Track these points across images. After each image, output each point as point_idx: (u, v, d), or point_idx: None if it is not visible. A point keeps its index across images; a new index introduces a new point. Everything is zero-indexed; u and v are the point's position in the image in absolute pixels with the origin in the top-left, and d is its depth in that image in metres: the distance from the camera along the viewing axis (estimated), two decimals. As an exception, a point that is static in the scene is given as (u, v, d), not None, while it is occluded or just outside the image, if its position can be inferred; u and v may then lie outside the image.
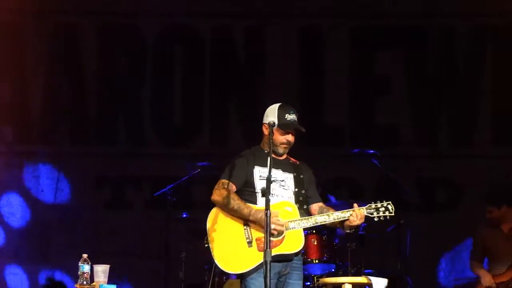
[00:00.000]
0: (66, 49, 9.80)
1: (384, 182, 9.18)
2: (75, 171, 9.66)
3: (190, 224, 8.16)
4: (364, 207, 5.81)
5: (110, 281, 6.56)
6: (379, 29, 9.81)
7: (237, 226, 5.80)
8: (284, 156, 5.99)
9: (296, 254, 5.79)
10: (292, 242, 5.73)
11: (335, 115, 9.78)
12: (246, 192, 5.88)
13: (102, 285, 6.49)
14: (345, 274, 7.84)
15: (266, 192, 5.47)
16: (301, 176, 5.97)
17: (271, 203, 5.66)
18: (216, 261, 5.78)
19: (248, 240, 5.75)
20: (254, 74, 9.72)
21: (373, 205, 5.86)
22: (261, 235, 5.71)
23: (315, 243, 8.05)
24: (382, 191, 9.15)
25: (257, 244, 5.74)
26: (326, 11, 9.81)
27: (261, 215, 5.63)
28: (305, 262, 7.94)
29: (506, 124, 9.58)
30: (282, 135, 5.90)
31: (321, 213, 5.90)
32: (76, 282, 6.46)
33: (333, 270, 8.13)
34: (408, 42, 9.81)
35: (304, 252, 8.04)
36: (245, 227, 5.79)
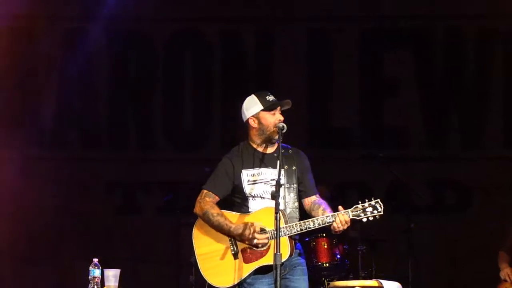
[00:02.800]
0: (77, 55, 9.83)
1: (394, 185, 9.19)
2: (86, 176, 9.68)
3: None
4: (349, 210, 5.50)
5: (120, 286, 6.58)
6: (388, 30, 9.81)
7: (221, 237, 5.64)
8: (275, 146, 5.70)
9: (283, 262, 5.46)
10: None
11: (343, 118, 9.77)
12: (237, 197, 5.73)
13: (113, 289, 6.52)
14: (356, 277, 7.83)
15: (276, 196, 5.31)
16: (293, 168, 5.71)
17: (256, 208, 5.63)
18: (203, 274, 5.67)
19: (233, 252, 5.60)
20: (263, 78, 9.72)
21: (359, 206, 5.53)
22: (246, 246, 5.57)
23: (325, 246, 8.04)
24: (392, 194, 9.17)
25: (243, 255, 5.59)
26: (334, 13, 9.81)
27: (241, 230, 5.52)
28: (315, 266, 7.95)
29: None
30: (272, 115, 5.67)
31: (313, 209, 5.65)
32: (87, 287, 6.50)
33: (343, 273, 8.13)
34: (417, 44, 9.79)
35: (314, 255, 8.07)
36: (230, 238, 5.63)
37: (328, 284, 7.77)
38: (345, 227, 5.49)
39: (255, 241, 5.52)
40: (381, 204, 5.53)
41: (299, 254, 5.73)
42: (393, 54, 9.78)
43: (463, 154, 9.65)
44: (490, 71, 9.76)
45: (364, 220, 5.52)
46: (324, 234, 8.07)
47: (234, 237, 5.60)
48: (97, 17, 9.81)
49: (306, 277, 5.72)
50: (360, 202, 5.53)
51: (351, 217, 5.49)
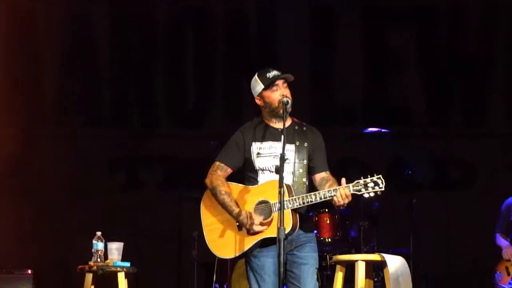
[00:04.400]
0: (79, 31, 9.81)
1: (397, 162, 9.20)
2: (89, 152, 9.68)
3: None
4: (350, 185, 5.46)
5: (124, 259, 6.61)
6: (391, 8, 9.77)
7: None
8: (289, 122, 5.70)
9: (288, 235, 5.48)
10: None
11: (346, 95, 9.75)
12: (247, 169, 5.73)
13: (116, 262, 6.54)
14: (358, 252, 7.85)
15: (279, 170, 5.34)
16: (305, 144, 5.69)
17: (262, 181, 5.64)
18: (208, 244, 5.70)
19: (238, 224, 5.62)
20: (266, 54, 9.69)
21: (361, 181, 5.47)
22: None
23: (328, 221, 8.09)
24: (395, 170, 9.18)
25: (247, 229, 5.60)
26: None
27: (241, 217, 5.56)
28: (318, 241, 7.96)
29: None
30: (275, 92, 5.67)
31: (321, 185, 5.63)
32: (90, 260, 6.53)
33: (346, 248, 8.16)
34: (421, 21, 9.76)
35: (317, 231, 8.09)
36: None
37: (330, 258, 7.78)
38: (346, 201, 5.46)
39: (252, 232, 5.57)
40: (383, 180, 5.49)
41: (310, 231, 5.75)
42: (396, 31, 9.75)
43: (466, 131, 9.64)
44: (494, 48, 9.73)
45: (366, 195, 5.51)
46: (326, 210, 8.10)
47: (235, 219, 5.64)
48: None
49: (315, 254, 5.73)
50: (362, 178, 5.50)
51: (352, 191, 5.47)
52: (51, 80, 9.78)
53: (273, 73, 5.71)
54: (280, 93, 5.68)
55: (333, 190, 5.47)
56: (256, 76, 5.75)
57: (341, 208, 5.55)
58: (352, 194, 5.47)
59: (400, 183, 8.99)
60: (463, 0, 9.79)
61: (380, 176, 5.50)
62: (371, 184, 5.48)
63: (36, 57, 9.73)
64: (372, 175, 5.50)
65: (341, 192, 5.44)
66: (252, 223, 5.55)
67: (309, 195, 5.53)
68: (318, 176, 5.73)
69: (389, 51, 9.81)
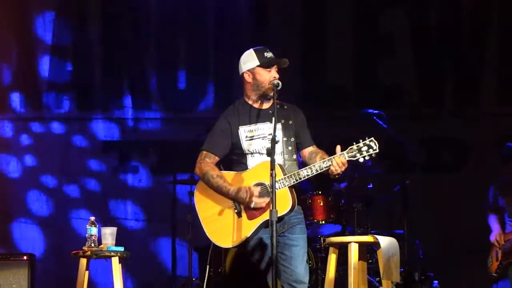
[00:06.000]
0: (71, 14, 9.78)
1: (389, 143, 9.19)
2: (82, 136, 9.68)
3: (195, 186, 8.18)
4: (344, 152, 5.48)
5: (117, 244, 6.62)
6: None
7: (224, 199, 5.65)
8: (271, 102, 5.68)
9: (286, 214, 5.54)
10: (279, 204, 5.34)
11: (338, 76, 9.75)
12: (235, 153, 5.73)
13: (110, 247, 6.56)
14: (352, 234, 7.87)
15: (271, 153, 5.31)
16: (290, 122, 5.70)
17: (252, 163, 5.64)
18: (209, 237, 5.67)
19: (236, 211, 5.60)
20: (258, 36, 9.67)
21: (354, 147, 5.49)
22: None
23: (321, 204, 8.07)
24: (387, 152, 9.17)
25: (246, 213, 5.59)
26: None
27: (239, 193, 5.55)
28: (311, 223, 7.99)
29: (512, 82, 9.56)
30: (268, 72, 5.66)
31: (311, 158, 5.64)
32: (84, 245, 6.54)
33: (339, 230, 8.18)
34: (412, 1, 9.75)
35: (310, 213, 8.10)
36: None
37: (324, 240, 7.80)
38: (343, 169, 5.48)
39: (253, 204, 5.54)
40: (376, 142, 5.54)
41: (298, 213, 5.73)
42: (387, 11, 9.73)
43: (458, 111, 9.63)
44: (486, 28, 9.72)
45: (361, 160, 5.53)
46: (320, 192, 8.10)
47: (233, 199, 5.62)
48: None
49: (305, 236, 5.74)
50: (354, 143, 5.53)
51: (347, 158, 5.49)
52: (44, 63, 9.74)
53: (270, 54, 5.72)
54: (272, 75, 5.68)
55: (328, 160, 5.49)
56: (252, 50, 5.74)
57: (338, 176, 5.56)
58: (348, 161, 5.50)
59: (393, 164, 9.02)
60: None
61: (372, 138, 5.54)
62: (365, 148, 5.52)
63: (29, 39, 9.69)
64: (363, 139, 5.53)
65: (337, 161, 5.46)
66: (251, 195, 5.53)
67: (304, 169, 5.54)
68: (307, 151, 5.76)
69: (380, 31, 9.79)
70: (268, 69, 5.70)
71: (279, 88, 5.61)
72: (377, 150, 5.53)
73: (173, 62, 9.83)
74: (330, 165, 5.47)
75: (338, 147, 5.52)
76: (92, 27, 9.81)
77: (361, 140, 5.53)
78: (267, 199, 5.53)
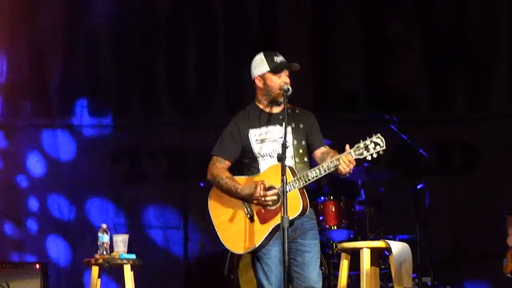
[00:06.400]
0: (81, 21, 9.81)
1: (401, 147, 9.18)
2: (93, 143, 9.69)
3: (207, 192, 8.17)
4: (351, 150, 5.43)
5: (129, 251, 6.62)
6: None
7: (235, 203, 5.65)
8: (282, 106, 5.67)
9: (297, 218, 5.52)
10: (289, 207, 5.31)
11: (348, 80, 9.73)
12: (247, 157, 5.73)
13: (122, 254, 6.56)
14: (364, 239, 7.85)
15: (282, 158, 5.31)
16: (301, 126, 5.69)
17: (265, 166, 5.63)
18: (224, 243, 5.67)
19: (249, 215, 5.60)
20: (267, 41, 9.67)
21: (361, 145, 5.45)
22: (260, 207, 5.58)
23: (333, 209, 8.07)
24: (399, 155, 9.17)
25: (258, 217, 5.58)
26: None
27: (248, 191, 5.54)
28: (323, 229, 7.98)
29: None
30: (278, 78, 5.66)
31: (323, 159, 5.59)
32: (96, 253, 6.54)
33: (352, 236, 8.16)
34: (421, 3, 9.72)
35: (323, 218, 8.08)
36: (243, 202, 5.64)
37: (336, 246, 7.78)
38: (351, 167, 5.44)
39: (264, 198, 5.52)
40: (382, 139, 5.48)
41: (311, 218, 5.72)
42: (396, 14, 9.71)
43: (469, 114, 9.60)
44: (495, 29, 9.68)
45: (369, 158, 5.48)
46: (331, 198, 8.09)
47: (244, 198, 5.61)
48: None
49: (317, 241, 5.73)
50: (361, 141, 5.49)
51: (354, 156, 5.45)
52: (54, 72, 9.77)
53: (280, 58, 5.72)
54: (283, 80, 5.68)
55: (336, 159, 5.46)
56: (262, 55, 5.74)
57: (347, 175, 5.50)
58: (356, 159, 5.46)
59: (405, 168, 9.00)
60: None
61: (379, 135, 5.49)
62: (372, 145, 5.47)
63: (39, 49, 9.72)
64: (370, 136, 5.49)
65: (344, 159, 5.43)
66: (263, 189, 5.50)
67: (313, 170, 5.51)
68: (318, 152, 5.73)
69: (389, 35, 9.77)
70: (278, 74, 5.70)
71: (289, 93, 5.61)
72: (384, 147, 5.47)
73: (184, 67, 9.83)
74: (337, 164, 5.44)
75: (347, 146, 5.50)
76: (102, 33, 9.83)
77: (368, 137, 5.49)
78: (276, 191, 5.51)
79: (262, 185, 5.53)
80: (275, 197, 5.53)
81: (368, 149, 5.46)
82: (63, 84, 9.73)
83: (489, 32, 9.69)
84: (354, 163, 5.45)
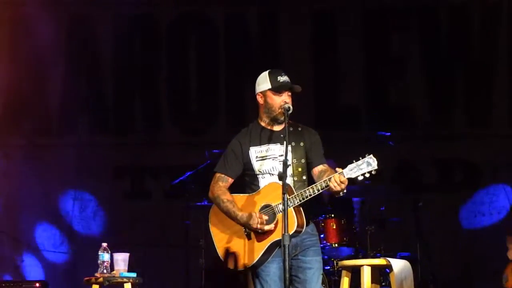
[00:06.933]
0: (82, 40, 9.84)
1: (402, 164, 9.21)
2: (95, 161, 9.70)
3: (208, 211, 8.17)
4: (343, 170, 5.41)
5: (130, 270, 6.61)
6: (392, 9, 9.77)
7: (234, 222, 5.70)
8: (283, 125, 5.67)
9: (293, 236, 5.50)
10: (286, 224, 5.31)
11: (350, 98, 9.75)
12: (247, 174, 5.76)
13: (123, 273, 6.54)
14: (365, 257, 7.84)
15: (283, 177, 5.33)
16: (301, 144, 5.69)
17: (263, 184, 5.65)
18: (223, 260, 5.70)
19: (246, 233, 5.63)
20: (268, 59, 9.69)
21: (352, 165, 5.42)
22: None
23: (334, 227, 8.06)
24: (400, 173, 9.18)
25: (255, 234, 5.61)
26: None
27: (246, 220, 5.57)
28: (324, 246, 7.98)
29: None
30: (279, 97, 5.67)
31: (319, 177, 5.59)
32: (96, 271, 6.53)
33: (352, 253, 8.15)
34: (422, 22, 9.75)
35: (324, 236, 8.08)
36: None
37: (337, 264, 7.78)
38: (343, 187, 5.43)
39: (261, 231, 5.56)
40: (375, 159, 5.45)
41: (312, 235, 5.73)
42: (398, 33, 9.75)
43: (469, 132, 9.60)
44: (496, 49, 9.70)
45: (361, 178, 5.46)
46: (333, 215, 8.09)
47: (242, 225, 5.65)
48: (101, 0, 9.83)
49: (319, 258, 5.73)
50: (354, 161, 5.47)
51: (346, 176, 5.44)
52: (56, 91, 9.80)
53: (284, 78, 5.71)
54: (283, 100, 5.69)
55: (328, 179, 5.46)
56: (266, 73, 5.75)
57: (341, 195, 5.51)
58: (348, 179, 5.44)
59: (406, 186, 9.01)
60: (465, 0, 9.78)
61: (371, 155, 5.47)
62: (364, 165, 5.45)
63: (40, 66, 9.74)
64: (363, 157, 5.48)
65: (336, 179, 5.42)
66: (260, 223, 5.53)
67: (307, 189, 5.53)
68: (316, 170, 5.72)
69: (391, 53, 9.80)
70: (279, 94, 5.72)
71: (290, 112, 5.62)
72: (376, 167, 5.46)
73: (185, 85, 9.86)
74: (329, 184, 5.45)
75: (338, 169, 5.48)
76: (103, 52, 9.86)
77: (360, 158, 5.48)
78: (272, 225, 5.55)
79: (259, 219, 5.56)
80: (271, 229, 5.55)
81: (361, 168, 5.45)
82: (64, 103, 9.74)
83: (490, 50, 9.71)
84: (346, 182, 5.45)
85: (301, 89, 5.71)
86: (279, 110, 5.69)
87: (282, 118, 5.67)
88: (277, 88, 5.70)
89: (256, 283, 5.70)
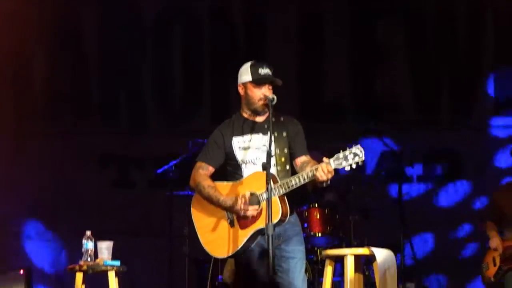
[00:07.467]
0: (66, 28, 9.81)
1: (386, 155, 9.23)
2: (79, 150, 9.68)
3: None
4: (330, 160, 5.45)
5: (114, 258, 6.62)
6: (378, 1, 9.78)
7: (217, 209, 5.71)
8: (266, 116, 5.75)
9: (277, 224, 5.50)
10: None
11: (335, 89, 9.76)
12: (230, 164, 5.78)
13: (106, 261, 6.55)
14: (348, 246, 7.87)
15: (266, 167, 5.39)
16: (284, 134, 5.72)
17: (246, 174, 5.68)
18: (205, 248, 5.73)
19: (229, 221, 5.66)
20: (253, 49, 9.70)
21: (340, 155, 5.46)
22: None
23: (318, 216, 8.08)
24: (384, 164, 9.21)
25: (239, 222, 5.63)
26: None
27: (230, 203, 5.59)
28: (308, 236, 8.00)
29: (507, 93, 9.54)
30: (258, 89, 5.71)
31: (302, 168, 5.62)
32: (81, 259, 6.54)
33: (336, 242, 8.19)
34: (408, 12, 9.76)
35: (307, 225, 8.11)
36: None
37: (320, 253, 7.81)
38: (329, 176, 5.47)
39: (244, 213, 5.57)
40: (361, 150, 5.50)
41: (295, 225, 5.76)
42: (383, 23, 9.76)
43: (454, 123, 9.63)
44: (482, 37, 9.72)
45: (347, 168, 5.50)
46: (316, 205, 8.12)
47: (225, 209, 5.66)
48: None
49: (302, 247, 5.76)
50: (341, 151, 5.51)
51: (333, 166, 5.48)
52: (40, 79, 9.77)
53: (265, 70, 5.73)
54: (262, 93, 5.71)
55: (315, 169, 5.48)
56: (249, 65, 5.77)
57: (325, 185, 5.55)
58: (335, 169, 5.49)
59: (390, 175, 9.04)
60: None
61: (358, 146, 5.51)
62: (351, 156, 5.49)
63: (25, 56, 9.71)
64: (350, 147, 5.51)
65: (322, 168, 5.45)
66: (243, 203, 5.54)
67: (292, 178, 5.56)
68: (299, 161, 5.75)
69: (376, 45, 9.81)
70: (260, 87, 5.73)
71: (274, 103, 5.63)
72: (363, 158, 5.50)
73: (169, 75, 9.85)
74: (316, 173, 5.48)
75: (325, 158, 5.51)
76: (88, 41, 9.84)
77: (347, 148, 5.52)
78: (257, 207, 5.57)
79: (243, 199, 5.58)
80: (255, 213, 5.57)
81: (347, 159, 5.49)
82: (48, 93, 9.72)
83: (476, 38, 9.72)
84: (333, 172, 5.49)
85: (281, 83, 5.72)
86: (259, 103, 5.72)
87: (262, 110, 5.71)
88: (257, 81, 5.71)
89: (239, 273, 5.73)
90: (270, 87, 5.74)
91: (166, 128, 9.80)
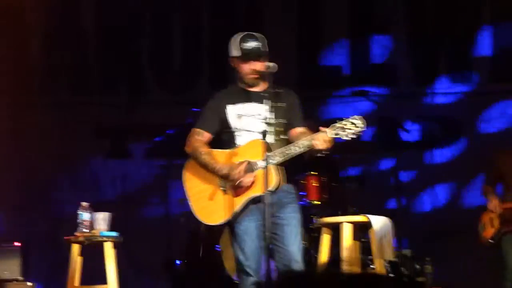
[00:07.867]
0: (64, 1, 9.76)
1: (383, 122, 9.22)
2: (76, 121, 9.65)
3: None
4: (327, 129, 5.42)
5: (111, 229, 6.61)
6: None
7: (210, 176, 5.69)
8: (262, 86, 5.73)
9: (272, 192, 5.50)
10: (264, 182, 5.38)
11: (332, 56, 9.71)
12: (225, 132, 5.78)
13: (103, 232, 6.55)
14: (344, 214, 7.87)
15: (264, 136, 5.42)
16: (281, 104, 5.66)
17: (241, 142, 5.69)
18: (197, 215, 5.73)
19: (223, 188, 5.65)
20: (253, 18, 9.64)
21: (337, 124, 5.42)
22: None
23: (314, 184, 8.07)
24: (380, 131, 9.20)
25: (232, 189, 5.62)
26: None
27: (226, 171, 5.58)
28: (305, 203, 7.99)
29: (505, 61, 9.48)
30: (247, 65, 5.68)
31: (298, 138, 5.58)
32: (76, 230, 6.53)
33: (333, 210, 8.18)
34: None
35: (304, 193, 8.10)
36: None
37: (317, 221, 7.80)
38: (327, 145, 5.45)
39: (240, 181, 5.57)
40: (361, 121, 5.44)
41: (289, 193, 5.75)
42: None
43: (451, 89, 9.59)
44: (480, 7, 9.63)
45: (346, 138, 5.46)
46: (313, 173, 8.10)
47: (221, 177, 5.64)
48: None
49: (297, 215, 5.74)
50: (338, 121, 5.48)
51: (330, 135, 5.45)
52: (37, 48, 9.71)
53: (253, 43, 5.68)
54: (250, 67, 5.70)
55: (311, 137, 5.47)
56: (237, 37, 5.73)
57: (323, 154, 5.53)
58: (333, 138, 5.45)
59: (387, 143, 9.03)
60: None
61: (358, 116, 5.47)
62: (349, 126, 5.44)
63: (23, 29, 9.64)
64: (348, 117, 5.47)
65: (320, 137, 5.43)
66: (239, 172, 5.54)
67: (289, 146, 5.55)
68: (295, 131, 5.73)
69: (375, 10, 9.74)
70: (247, 61, 5.69)
71: (273, 70, 5.58)
72: (362, 128, 5.46)
73: (168, 44, 9.80)
74: (313, 142, 5.46)
75: (321, 128, 5.50)
76: (86, 11, 9.76)
77: (346, 118, 5.48)
78: (253, 175, 5.54)
79: (240, 168, 5.55)
80: (249, 183, 5.56)
81: (345, 130, 5.45)
82: (45, 62, 9.67)
83: (475, 6, 9.63)
84: (330, 142, 5.45)
85: (268, 59, 5.65)
86: (249, 77, 5.71)
87: (253, 83, 5.71)
88: (244, 56, 5.68)
89: (234, 243, 5.72)
90: (261, 59, 5.68)
91: (165, 98, 9.75)
